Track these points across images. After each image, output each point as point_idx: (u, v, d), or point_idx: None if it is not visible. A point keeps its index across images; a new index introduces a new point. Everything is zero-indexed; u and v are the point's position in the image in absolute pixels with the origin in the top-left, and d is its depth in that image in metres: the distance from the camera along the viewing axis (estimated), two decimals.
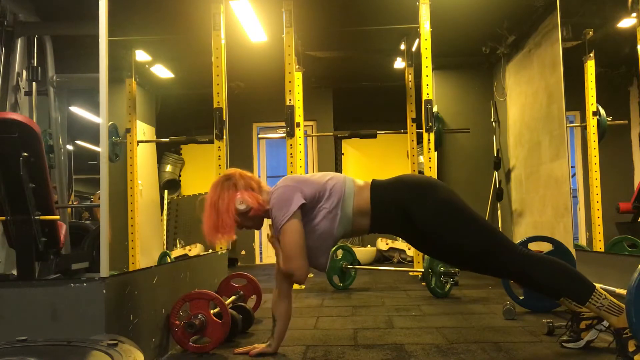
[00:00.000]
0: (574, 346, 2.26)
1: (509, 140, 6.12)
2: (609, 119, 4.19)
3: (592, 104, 4.03)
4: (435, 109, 4.77)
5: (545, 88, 4.94)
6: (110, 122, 5.03)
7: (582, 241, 4.56)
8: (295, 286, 4.41)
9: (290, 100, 4.54)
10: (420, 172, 5.44)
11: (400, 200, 2.07)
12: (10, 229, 2.60)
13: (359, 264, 4.68)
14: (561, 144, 4.54)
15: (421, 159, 5.92)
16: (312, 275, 5.30)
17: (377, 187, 2.12)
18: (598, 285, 2.10)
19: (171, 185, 7.34)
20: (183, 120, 6.87)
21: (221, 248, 3.76)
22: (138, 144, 5.44)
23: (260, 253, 7.36)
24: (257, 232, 7.29)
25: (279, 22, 4.61)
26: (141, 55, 5.67)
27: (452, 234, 2.04)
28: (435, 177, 4.91)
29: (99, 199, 2.18)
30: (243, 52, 5.55)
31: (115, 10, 2.11)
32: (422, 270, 4.15)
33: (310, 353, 2.33)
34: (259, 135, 7.37)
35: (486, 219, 6.26)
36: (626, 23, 4.05)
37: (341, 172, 7.53)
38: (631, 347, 1.93)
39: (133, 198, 5.13)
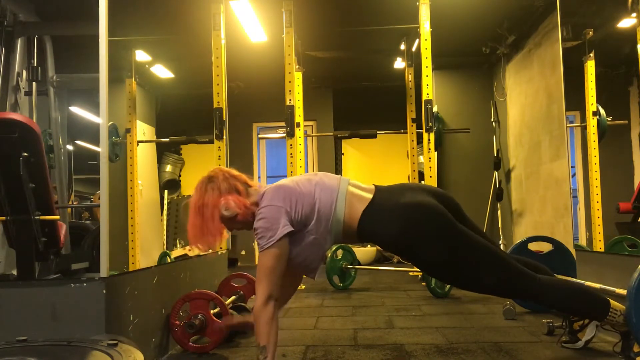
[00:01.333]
0: (573, 347, 2.26)
1: (509, 140, 6.12)
2: (609, 119, 4.18)
3: (592, 104, 4.03)
4: (435, 109, 4.77)
5: (545, 88, 4.94)
6: (110, 122, 5.03)
7: (582, 241, 4.55)
8: None
9: (290, 100, 4.54)
10: (420, 172, 5.43)
11: (391, 243, 1.93)
12: (10, 229, 2.60)
13: (359, 264, 4.68)
14: (561, 144, 4.53)
15: (421, 159, 5.92)
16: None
17: (368, 215, 1.90)
18: (598, 286, 2.10)
19: (171, 185, 7.34)
20: (183, 120, 6.86)
21: (221, 248, 3.76)
22: (138, 144, 5.44)
23: None
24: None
25: (279, 22, 4.61)
26: (141, 55, 5.67)
27: (458, 273, 1.92)
28: (435, 177, 4.91)
29: (99, 199, 2.18)
30: (243, 52, 5.55)
31: (115, 10, 2.11)
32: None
33: (310, 353, 2.33)
34: (259, 135, 7.37)
35: (486, 218, 6.26)
36: (626, 23, 4.05)
37: (341, 172, 7.62)
38: (637, 349, 1.94)
39: (133, 198, 5.13)
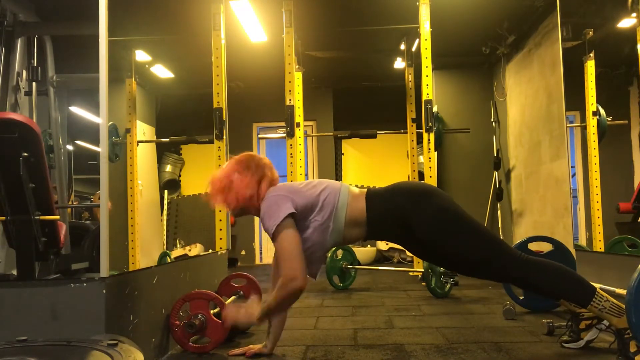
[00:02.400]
0: (574, 346, 2.26)
1: (509, 140, 6.12)
2: (609, 119, 4.18)
3: (592, 104, 4.03)
4: (435, 109, 4.77)
5: (545, 88, 4.94)
6: (110, 122, 5.03)
7: (582, 241, 4.55)
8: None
9: (290, 100, 4.54)
10: (420, 172, 5.44)
11: (397, 209, 2.04)
12: (10, 229, 2.60)
13: (359, 264, 4.68)
14: (561, 144, 4.54)
15: (421, 159, 5.92)
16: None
17: (373, 197, 2.08)
18: (598, 286, 2.10)
19: (171, 185, 7.34)
20: (183, 120, 6.87)
21: (221, 248, 3.76)
22: (138, 144, 5.44)
23: (260, 253, 7.36)
24: (257, 233, 7.29)
25: (279, 22, 4.61)
26: (141, 55, 5.67)
27: (452, 242, 2.01)
28: (435, 177, 4.91)
29: (99, 199, 2.18)
30: (243, 52, 5.55)
31: (115, 10, 2.11)
32: (422, 270, 4.15)
33: (310, 353, 2.33)
34: (259, 135, 7.37)
35: (486, 218, 6.28)
36: (626, 23, 4.05)
37: (341, 172, 7.62)
38: (633, 348, 1.93)
39: (133, 198, 5.13)
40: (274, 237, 1.98)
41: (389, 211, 2.05)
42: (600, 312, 2.02)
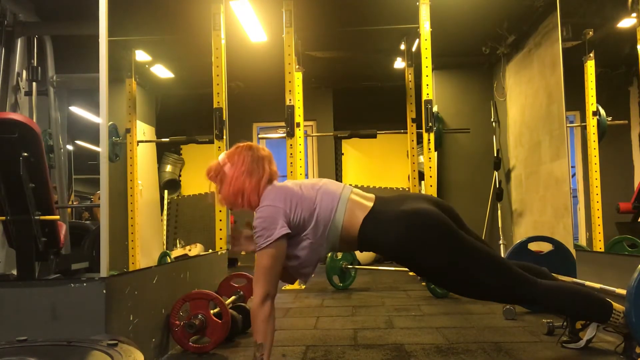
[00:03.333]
0: (574, 347, 2.26)
1: (509, 140, 6.12)
2: (609, 119, 4.18)
3: (592, 104, 4.03)
4: (435, 109, 4.77)
5: (545, 88, 4.94)
6: (110, 122, 5.03)
7: (582, 241, 4.55)
8: (295, 286, 4.44)
9: (290, 100, 4.54)
10: (420, 172, 5.44)
11: (392, 249, 1.91)
12: (10, 229, 2.60)
13: (359, 264, 4.68)
14: (561, 144, 4.53)
15: (421, 159, 5.92)
16: (312, 275, 5.29)
17: (369, 221, 1.90)
18: (598, 286, 2.10)
19: (171, 185, 7.34)
20: (183, 120, 6.86)
21: (221, 248, 3.76)
22: (138, 144, 5.44)
23: None
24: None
25: (279, 22, 4.61)
26: (141, 55, 5.67)
27: (459, 281, 1.90)
28: (435, 177, 4.91)
29: (99, 199, 2.18)
30: (243, 52, 5.55)
31: (115, 10, 2.11)
32: None
33: (310, 353, 2.33)
34: (259, 135, 7.37)
35: (486, 218, 6.25)
36: (626, 23, 4.05)
37: (341, 172, 7.62)
38: (639, 350, 1.94)
39: (133, 198, 5.13)
40: (259, 252, 1.87)
41: (381, 245, 1.93)
42: (615, 329, 1.99)
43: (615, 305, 1.96)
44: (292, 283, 2.19)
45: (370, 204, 1.94)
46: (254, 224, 1.89)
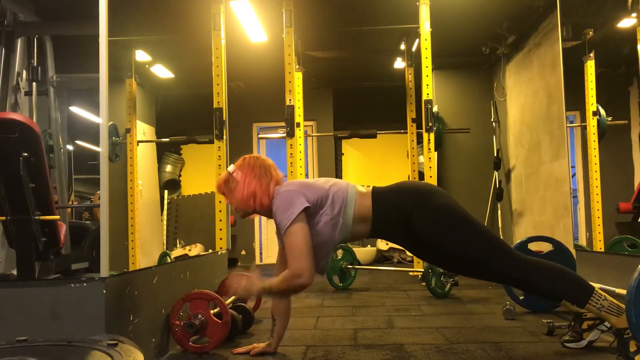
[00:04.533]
0: (575, 346, 2.26)
1: (509, 140, 6.12)
2: (609, 119, 4.18)
3: (592, 104, 4.03)
4: (435, 109, 4.77)
5: (545, 88, 4.94)
6: (110, 122, 5.03)
7: (582, 241, 4.55)
8: None
9: (290, 100, 4.54)
10: (420, 172, 5.44)
11: (401, 206, 2.07)
12: (10, 229, 2.60)
13: (359, 264, 4.68)
14: (561, 144, 4.54)
15: (421, 159, 5.92)
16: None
17: (378, 194, 2.12)
18: (597, 286, 2.10)
19: (171, 185, 7.34)
20: (183, 120, 6.86)
21: (221, 248, 3.76)
22: (138, 144, 5.44)
23: (260, 253, 7.36)
24: (257, 233, 7.29)
25: (279, 22, 4.61)
26: (141, 55, 5.67)
27: (452, 240, 2.04)
28: (435, 177, 4.91)
29: (99, 199, 2.18)
30: (243, 52, 5.55)
31: (115, 10, 2.11)
32: (422, 270, 4.15)
33: (310, 353, 2.33)
34: (259, 135, 7.37)
35: (486, 218, 6.26)
36: (626, 23, 4.05)
37: (341, 172, 7.62)
38: (632, 348, 1.93)
39: (133, 198, 5.13)
40: (285, 232, 2.00)
41: (393, 209, 2.08)
42: (599, 312, 2.02)
43: (599, 291, 2.02)
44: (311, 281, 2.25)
45: (370, 189, 2.15)
46: (274, 210, 2.05)
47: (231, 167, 2.18)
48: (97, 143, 2.02)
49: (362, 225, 2.10)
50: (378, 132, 5.54)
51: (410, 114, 5.46)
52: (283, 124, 4.56)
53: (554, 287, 2.06)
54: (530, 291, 2.25)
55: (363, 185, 2.20)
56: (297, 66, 5.01)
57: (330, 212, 2.05)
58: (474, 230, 2.04)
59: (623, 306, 1.96)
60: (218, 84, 3.91)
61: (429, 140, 4.52)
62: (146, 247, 5.85)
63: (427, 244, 2.10)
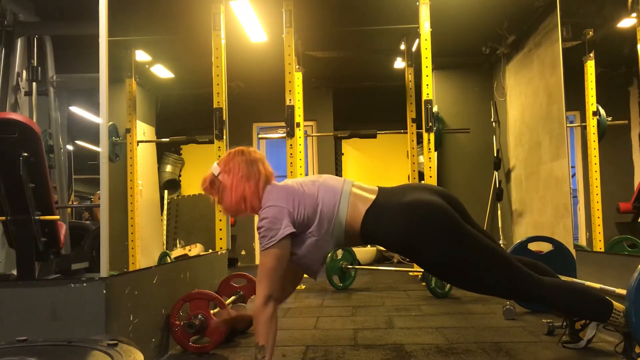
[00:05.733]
0: (574, 347, 2.26)
1: (509, 140, 6.12)
2: (609, 119, 4.18)
3: (592, 104, 4.03)
4: (435, 109, 4.77)
5: (545, 88, 4.94)
6: (110, 122, 5.03)
7: (582, 241, 4.55)
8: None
9: (290, 100, 4.54)
10: (420, 173, 5.44)
11: (394, 243, 1.91)
12: (10, 229, 2.60)
13: (359, 264, 4.68)
14: (561, 144, 4.53)
15: (421, 159, 5.92)
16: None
17: (371, 215, 1.89)
18: (597, 286, 2.10)
19: (171, 185, 7.34)
20: (183, 120, 6.86)
21: (221, 248, 3.76)
22: (138, 144, 5.44)
23: None
24: (257, 233, 7.28)
25: (279, 22, 4.61)
26: (141, 55, 5.67)
27: (461, 274, 1.89)
28: (435, 177, 4.91)
29: (99, 199, 2.18)
30: (243, 52, 5.55)
31: (115, 10, 2.11)
32: (422, 270, 4.15)
33: (310, 353, 2.33)
34: (259, 135, 7.37)
35: (486, 218, 6.25)
36: (626, 23, 4.05)
37: (341, 172, 7.62)
38: (638, 350, 1.94)
39: (133, 198, 5.13)
40: (263, 252, 1.86)
41: (382, 238, 1.92)
42: (615, 328, 1.98)
43: (616, 304, 1.95)
44: (299, 282, 2.20)
45: (373, 197, 1.92)
46: (258, 225, 1.88)
47: (215, 168, 1.98)
48: (97, 143, 2.02)
49: (354, 239, 1.96)
50: (378, 132, 5.54)
51: (410, 114, 5.46)
52: (283, 124, 4.56)
53: (575, 308, 2.01)
54: (548, 307, 2.19)
55: (363, 189, 1.97)
56: (297, 66, 5.01)
57: (317, 233, 1.89)
58: (485, 258, 1.85)
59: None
60: (218, 84, 3.91)
61: (429, 140, 4.52)
62: (146, 247, 5.85)
63: (429, 269, 2.02)
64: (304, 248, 1.90)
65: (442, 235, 1.84)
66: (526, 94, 5.49)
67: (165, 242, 6.81)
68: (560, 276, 2.46)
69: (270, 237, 1.83)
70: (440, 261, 1.87)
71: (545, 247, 3.09)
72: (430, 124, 4.44)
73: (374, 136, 5.60)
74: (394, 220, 1.86)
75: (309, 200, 1.90)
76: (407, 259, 2.17)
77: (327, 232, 1.90)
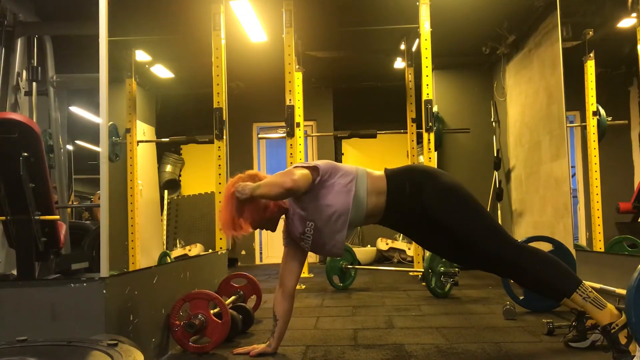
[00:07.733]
0: (579, 345, 2.25)
1: (509, 140, 6.12)
2: (609, 119, 4.19)
3: (592, 104, 4.03)
4: (435, 109, 4.77)
5: (545, 88, 4.94)
6: (110, 122, 5.03)
7: (582, 241, 4.55)
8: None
9: (290, 100, 4.54)
10: None
11: (414, 179, 2.20)
12: (10, 229, 2.60)
13: (359, 264, 4.68)
14: (561, 144, 4.54)
15: (421, 159, 5.92)
16: (312, 275, 5.30)
17: (392, 170, 2.26)
18: (597, 286, 2.10)
19: (171, 185, 7.34)
20: (183, 120, 6.87)
21: (221, 248, 3.76)
22: (138, 144, 5.44)
23: (260, 253, 7.36)
24: (257, 233, 7.29)
25: (279, 22, 4.61)
26: (141, 55, 5.67)
27: (456, 215, 2.14)
28: None
29: (99, 199, 2.18)
30: (243, 52, 5.55)
31: (115, 10, 2.11)
32: (422, 270, 4.15)
33: (310, 353, 2.33)
34: (259, 135, 7.37)
35: None
36: (626, 23, 4.05)
37: None
38: (623, 340, 1.95)
39: (133, 198, 5.13)
40: (291, 169, 2.08)
41: (407, 182, 2.19)
42: (584, 302, 2.05)
43: (586, 284, 2.06)
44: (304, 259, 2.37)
45: (382, 171, 2.27)
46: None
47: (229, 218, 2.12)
48: (97, 143, 2.02)
49: (376, 198, 2.16)
50: (378, 132, 5.54)
51: (410, 114, 5.47)
52: (283, 124, 4.56)
53: (543, 273, 2.11)
54: (520, 277, 2.23)
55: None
56: (297, 66, 5.02)
57: (342, 180, 2.12)
58: (477, 209, 2.16)
59: (605, 302, 2.04)
60: (218, 84, 3.92)
61: (429, 140, 4.52)
62: (146, 247, 5.86)
63: (430, 220, 2.16)
64: (331, 196, 2.09)
65: (450, 187, 2.19)
66: (526, 93, 5.50)
67: (165, 242, 6.81)
68: None
69: (302, 165, 2.11)
70: (443, 205, 2.15)
71: (545, 247, 3.08)
72: (430, 124, 4.44)
73: (374, 136, 5.61)
74: (414, 171, 2.28)
75: (328, 164, 2.18)
76: (411, 225, 2.30)
77: (352, 181, 2.13)
